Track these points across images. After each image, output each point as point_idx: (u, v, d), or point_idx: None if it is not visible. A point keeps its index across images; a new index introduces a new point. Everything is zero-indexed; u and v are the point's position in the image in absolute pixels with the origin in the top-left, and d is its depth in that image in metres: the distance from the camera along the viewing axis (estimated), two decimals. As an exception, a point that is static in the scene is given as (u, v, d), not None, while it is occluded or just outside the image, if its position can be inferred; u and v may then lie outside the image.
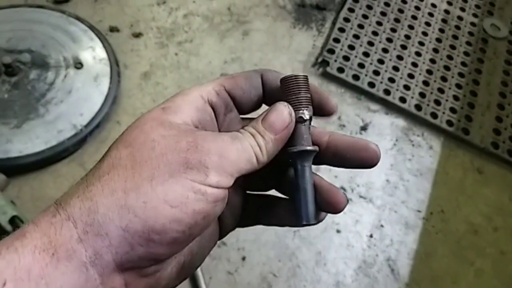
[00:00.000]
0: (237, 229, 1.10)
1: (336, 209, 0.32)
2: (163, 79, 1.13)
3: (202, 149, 0.27)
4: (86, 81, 1.01)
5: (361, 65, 1.27)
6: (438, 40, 1.39)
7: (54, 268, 0.23)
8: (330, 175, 1.10)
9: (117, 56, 1.11)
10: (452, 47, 1.39)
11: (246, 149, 0.29)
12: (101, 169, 0.27)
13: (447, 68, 1.34)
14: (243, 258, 0.96)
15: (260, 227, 1.06)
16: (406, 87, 1.27)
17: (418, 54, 1.34)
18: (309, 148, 0.32)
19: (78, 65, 1.02)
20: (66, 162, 0.97)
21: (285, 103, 0.31)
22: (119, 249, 0.24)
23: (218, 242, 1.00)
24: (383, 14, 1.39)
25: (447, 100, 1.27)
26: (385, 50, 1.32)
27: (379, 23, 1.37)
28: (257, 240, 0.99)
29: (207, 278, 0.93)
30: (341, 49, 1.29)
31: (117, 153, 0.27)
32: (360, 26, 1.35)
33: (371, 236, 1.06)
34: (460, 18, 1.45)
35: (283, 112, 0.31)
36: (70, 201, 0.25)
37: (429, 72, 1.32)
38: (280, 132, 0.30)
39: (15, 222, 0.80)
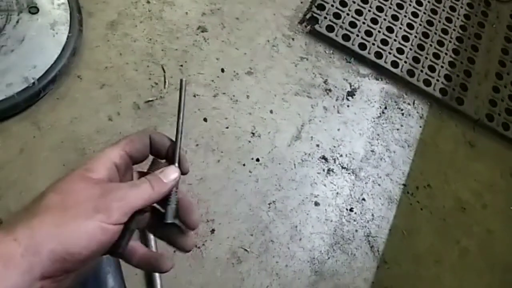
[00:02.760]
0: (208, 200, 1.00)
1: (190, 228, 0.45)
2: (132, 30, 1.01)
3: (108, 197, 0.38)
4: (42, 28, 0.89)
5: (352, 24, 1.16)
6: (438, 0, 1.28)
7: (5, 272, 0.33)
8: (312, 144, 1.01)
9: (81, 2, 0.98)
10: (452, 8, 1.28)
11: (142, 191, 0.40)
12: (40, 207, 0.37)
13: (445, 31, 1.24)
14: (212, 231, 0.89)
15: (233, 198, 0.96)
16: (400, 51, 1.16)
17: (415, 14, 1.23)
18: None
19: (33, 9, 0.90)
20: (17, 120, 0.87)
21: (176, 166, 0.45)
22: (45, 264, 0.34)
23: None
24: (380, -32, 1.26)
25: (442, 67, 1.18)
26: (379, 9, 1.21)
27: (375, -22, 1.25)
28: (229, 212, 0.91)
29: (171, 251, 0.85)
30: (332, 5, 1.17)
31: (52, 197, 0.38)
32: (354, -19, 1.22)
33: (351, 210, 0.99)
34: (463, -23, 1.34)
35: (173, 172, 0.43)
36: (16, 227, 0.35)
37: (425, 35, 1.21)
38: (170, 179, 0.42)
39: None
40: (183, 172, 0.44)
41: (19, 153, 0.85)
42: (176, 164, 0.45)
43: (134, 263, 0.44)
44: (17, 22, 0.89)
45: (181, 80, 0.43)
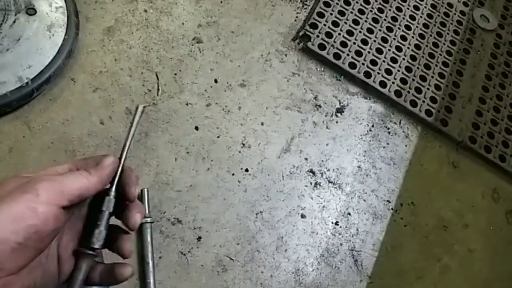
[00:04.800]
0: (196, 207, 1.00)
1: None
2: (128, 37, 1.02)
3: (35, 180, 0.36)
4: (38, 30, 0.90)
5: (343, 44, 1.20)
6: (426, 25, 1.33)
7: None
8: (301, 157, 1.03)
9: (79, 6, 0.99)
10: (439, 34, 1.33)
11: (77, 177, 0.38)
12: None
13: (431, 55, 1.28)
14: (199, 239, 0.89)
15: (222, 206, 0.97)
16: (388, 72, 1.20)
17: (403, 38, 1.28)
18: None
19: (31, 10, 0.91)
20: (9, 119, 0.87)
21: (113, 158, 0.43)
22: None
23: (173, 219, 0.91)
24: (372, -8, 1.31)
25: (428, 89, 1.22)
26: (370, 31, 1.25)
27: (366, 2, 1.29)
28: (217, 220, 0.92)
29: (157, 257, 0.85)
30: (324, 25, 1.21)
31: None
32: (347, 3, 1.26)
33: (336, 223, 1.00)
34: (450, 5, 1.39)
35: (109, 158, 0.42)
36: None
37: (413, 58, 1.25)
38: (108, 163, 0.41)
39: None
40: (129, 195, 0.42)
41: (8, 152, 0.84)
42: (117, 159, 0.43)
43: (98, 280, 0.41)
44: (14, 22, 0.89)
45: (137, 106, 0.47)
